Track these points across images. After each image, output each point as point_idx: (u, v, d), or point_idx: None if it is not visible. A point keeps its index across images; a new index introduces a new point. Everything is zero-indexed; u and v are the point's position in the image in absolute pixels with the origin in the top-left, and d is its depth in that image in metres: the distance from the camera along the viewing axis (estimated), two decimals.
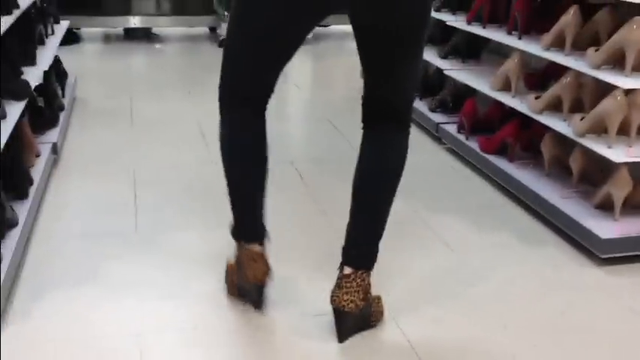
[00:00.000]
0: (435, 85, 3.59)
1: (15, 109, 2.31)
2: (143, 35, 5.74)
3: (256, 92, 1.70)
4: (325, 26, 6.19)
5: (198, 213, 2.46)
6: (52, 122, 2.98)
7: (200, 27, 5.87)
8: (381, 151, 1.75)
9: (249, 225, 1.79)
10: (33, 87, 2.56)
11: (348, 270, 1.70)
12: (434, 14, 3.39)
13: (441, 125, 3.28)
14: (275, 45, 1.61)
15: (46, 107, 2.98)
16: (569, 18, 2.38)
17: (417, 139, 3.38)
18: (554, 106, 2.52)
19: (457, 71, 3.22)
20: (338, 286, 1.69)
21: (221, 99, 1.71)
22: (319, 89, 4.20)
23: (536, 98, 2.58)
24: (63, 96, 3.36)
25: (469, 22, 3.07)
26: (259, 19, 1.57)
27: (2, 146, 2.01)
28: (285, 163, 2.99)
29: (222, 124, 1.72)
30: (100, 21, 5.57)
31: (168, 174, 2.86)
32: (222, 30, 5.52)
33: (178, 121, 3.57)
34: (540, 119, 2.54)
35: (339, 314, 1.70)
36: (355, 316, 1.71)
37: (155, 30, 5.87)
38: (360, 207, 1.74)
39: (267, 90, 1.70)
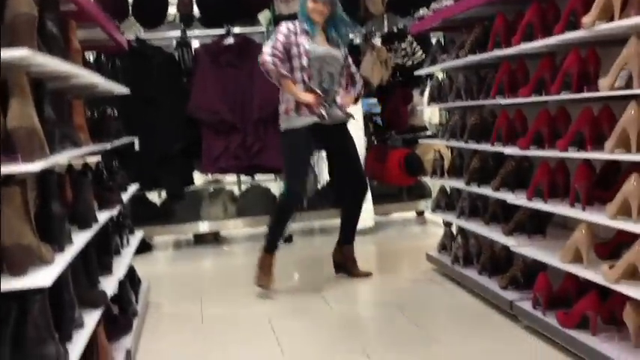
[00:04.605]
0: (503, 262, 3.55)
1: (92, 318, 2.38)
2: (212, 239, 5.96)
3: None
4: (386, 214, 6.33)
5: None
6: (126, 329, 3.03)
7: (264, 225, 6.09)
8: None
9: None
10: (109, 296, 2.65)
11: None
12: (494, 194, 3.44)
13: (515, 302, 3.19)
14: None
15: (120, 314, 3.05)
16: (632, 185, 2.38)
17: (491, 318, 3.31)
18: (631, 274, 2.44)
19: (524, 247, 3.19)
20: None
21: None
22: (385, 275, 4.20)
23: (611, 268, 2.51)
24: (136, 302, 3.44)
25: (530, 199, 3.09)
26: None
27: (79, 355, 2.05)
28: (359, 352, 2.93)
29: None
30: (171, 229, 5.83)
31: None
32: (288, 227, 5.69)
33: (249, 320, 3.59)
34: (618, 289, 2.45)
35: None
36: None
37: (223, 233, 6.08)
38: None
39: None
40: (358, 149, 5.57)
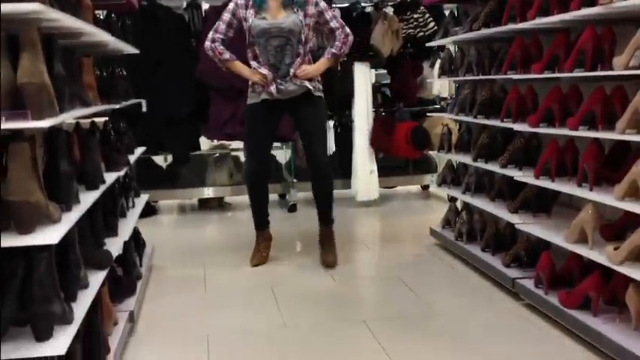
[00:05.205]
0: (506, 240, 3.55)
1: (96, 279, 2.39)
2: (216, 205, 5.97)
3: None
4: (392, 187, 6.32)
5: None
6: (130, 291, 3.05)
7: (271, 194, 6.09)
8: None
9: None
10: (114, 257, 2.66)
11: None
12: (501, 170, 3.43)
13: (517, 280, 3.19)
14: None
15: (124, 276, 3.07)
16: None
17: (493, 295, 3.32)
18: (636, 256, 2.44)
19: (529, 225, 3.18)
20: None
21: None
22: (388, 248, 4.20)
23: (615, 249, 2.51)
24: (140, 265, 3.46)
25: (537, 177, 3.07)
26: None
27: (84, 315, 2.06)
28: (358, 322, 2.95)
29: None
30: (176, 193, 5.85)
31: (242, 339, 2.85)
32: (292, 196, 5.69)
33: (251, 287, 3.61)
34: (622, 270, 2.45)
35: None
36: None
37: (227, 199, 6.09)
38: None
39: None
40: (366, 120, 5.53)
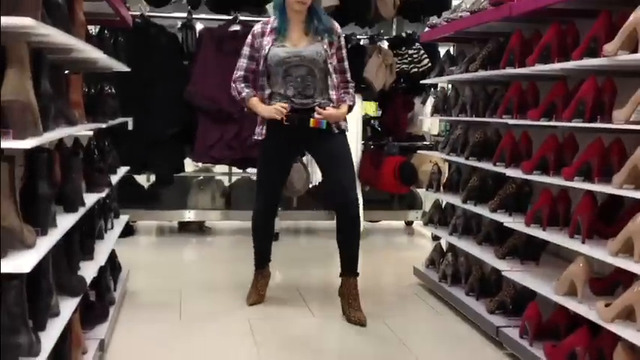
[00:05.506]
0: (492, 285, 3.48)
1: (68, 306, 2.28)
2: (196, 228, 5.85)
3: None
4: (375, 221, 6.25)
5: None
6: (102, 317, 2.94)
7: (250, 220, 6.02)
8: None
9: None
10: (88, 282, 2.55)
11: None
12: (490, 215, 3.37)
13: (501, 329, 3.12)
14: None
15: (97, 301, 2.95)
16: (638, 225, 2.31)
17: (475, 342, 3.24)
18: (626, 315, 2.38)
19: (517, 273, 3.12)
20: None
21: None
22: (372, 287, 4.12)
23: (606, 306, 2.44)
24: (115, 289, 3.35)
25: (528, 224, 3.02)
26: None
27: (53, 344, 1.96)
28: None
29: None
30: (156, 214, 5.72)
31: None
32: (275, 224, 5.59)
33: (228, 317, 3.50)
34: (612, 328, 2.39)
35: None
36: None
37: (208, 223, 5.98)
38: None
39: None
40: (353, 153, 5.48)
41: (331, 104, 3.44)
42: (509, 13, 3.18)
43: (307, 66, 3.38)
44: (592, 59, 2.60)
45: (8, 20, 1.79)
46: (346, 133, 3.54)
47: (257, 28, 3.52)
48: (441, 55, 4.57)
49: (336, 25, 3.51)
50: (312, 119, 3.37)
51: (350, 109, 3.53)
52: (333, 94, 3.45)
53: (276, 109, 3.36)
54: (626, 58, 2.40)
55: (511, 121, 3.26)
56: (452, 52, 4.45)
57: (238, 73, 3.53)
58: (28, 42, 1.96)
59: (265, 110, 3.41)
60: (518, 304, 3.16)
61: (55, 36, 2.11)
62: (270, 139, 3.48)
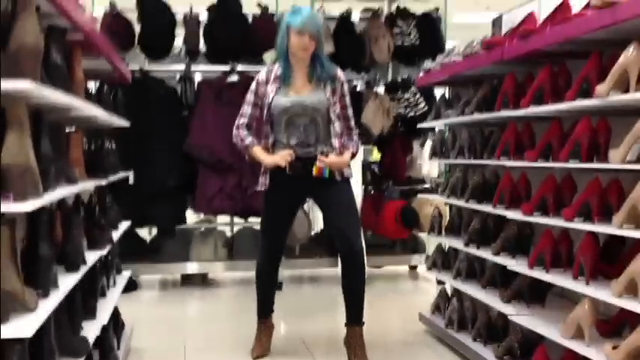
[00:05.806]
0: (499, 330, 3.45)
1: None
2: (199, 281, 5.82)
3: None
4: (378, 267, 6.22)
5: None
6: None
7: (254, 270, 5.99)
8: None
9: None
10: (91, 342, 2.53)
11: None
12: (493, 258, 3.36)
13: None
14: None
15: None
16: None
17: None
18: (635, 357, 2.35)
19: (523, 317, 3.09)
20: None
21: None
22: (377, 335, 4.07)
23: (614, 348, 2.42)
24: (118, 348, 3.31)
25: (531, 267, 3.00)
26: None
27: None
28: None
29: None
30: (158, 268, 5.67)
31: None
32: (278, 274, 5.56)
33: None
34: None
35: None
36: None
37: (211, 275, 5.95)
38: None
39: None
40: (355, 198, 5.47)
41: (333, 152, 3.45)
42: (502, 57, 3.23)
43: (310, 114, 3.39)
44: (585, 100, 2.62)
45: (8, 84, 1.82)
46: (350, 180, 3.54)
47: (261, 75, 3.52)
48: (437, 98, 4.61)
49: (339, 71, 3.52)
50: (314, 167, 3.39)
51: (353, 156, 3.54)
52: (335, 141, 3.45)
53: (281, 156, 3.37)
54: (619, 98, 2.43)
55: (509, 164, 3.28)
56: (447, 95, 4.49)
57: (241, 120, 3.53)
58: (27, 103, 1.98)
59: (269, 159, 3.43)
60: (526, 349, 3.11)
61: (55, 97, 2.14)
62: (273, 189, 3.49)
